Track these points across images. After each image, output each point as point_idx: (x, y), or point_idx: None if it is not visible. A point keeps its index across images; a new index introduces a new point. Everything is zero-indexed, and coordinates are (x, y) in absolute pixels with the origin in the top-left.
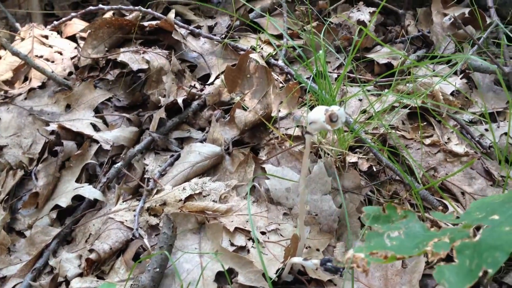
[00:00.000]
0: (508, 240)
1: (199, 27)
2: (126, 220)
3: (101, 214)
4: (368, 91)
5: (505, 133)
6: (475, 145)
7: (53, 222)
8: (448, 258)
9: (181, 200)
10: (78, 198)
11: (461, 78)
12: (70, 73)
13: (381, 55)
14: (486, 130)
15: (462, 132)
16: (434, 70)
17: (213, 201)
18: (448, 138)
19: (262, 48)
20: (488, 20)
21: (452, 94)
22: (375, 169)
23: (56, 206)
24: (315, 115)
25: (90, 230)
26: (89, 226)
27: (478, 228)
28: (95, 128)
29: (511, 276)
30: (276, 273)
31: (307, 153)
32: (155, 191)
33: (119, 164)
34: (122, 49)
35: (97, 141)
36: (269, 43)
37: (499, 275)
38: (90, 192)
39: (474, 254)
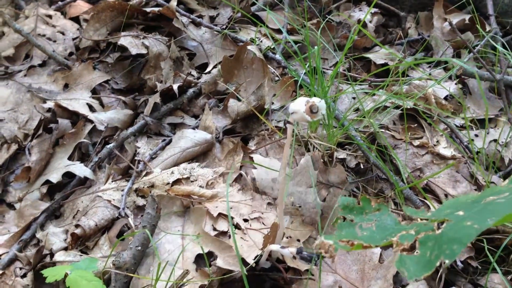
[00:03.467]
0: (467, 233)
1: (201, 16)
2: (114, 199)
3: (90, 192)
4: (362, 90)
5: (495, 140)
6: (463, 149)
7: (43, 197)
8: (413, 250)
9: (168, 183)
10: (69, 175)
11: (456, 84)
12: (70, 54)
13: (379, 55)
14: (476, 135)
15: (452, 136)
16: (430, 74)
17: (200, 186)
18: (437, 141)
19: (261, 41)
20: (488, 28)
21: (445, 98)
22: (362, 166)
23: (47, 182)
24: (296, 106)
25: (78, 207)
26: (78, 202)
27: (442, 223)
28: (91, 108)
29: (490, 280)
30: (254, 259)
31: (288, 142)
32: (144, 173)
33: (111, 145)
34: (122, 33)
35: (91, 121)
36: (268, 37)
37: (476, 276)
38: (81, 170)
39: (435, 246)
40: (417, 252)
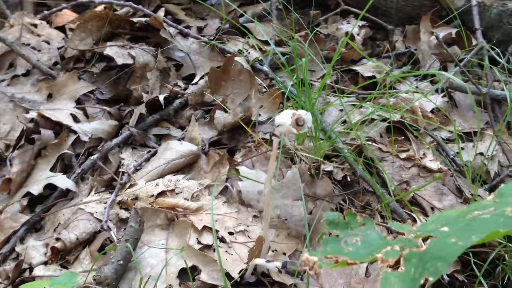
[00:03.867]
0: (451, 250)
1: (188, 27)
2: (96, 212)
3: (72, 204)
4: (350, 102)
5: (481, 153)
6: (449, 162)
7: (23, 209)
8: (398, 266)
9: (153, 195)
10: (51, 187)
11: (442, 97)
12: (55, 63)
13: (366, 68)
14: (462, 148)
15: (438, 149)
16: (416, 87)
17: (185, 198)
18: (424, 154)
19: (249, 53)
20: (474, 42)
21: (432, 111)
22: (349, 179)
23: (28, 194)
24: (282, 118)
25: (60, 220)
26: (59, 215)
27: (427, 239)
28: (75, 119)
29: None
30: (239, 273)
31: (274, 155)
32: (128, 185)
33: (95, 156)
34: (109, 43)
35: (75, 132)
36: (255, 48)
37: None
38: (63, 181)
39: (419, 263)
40: (401, 269)
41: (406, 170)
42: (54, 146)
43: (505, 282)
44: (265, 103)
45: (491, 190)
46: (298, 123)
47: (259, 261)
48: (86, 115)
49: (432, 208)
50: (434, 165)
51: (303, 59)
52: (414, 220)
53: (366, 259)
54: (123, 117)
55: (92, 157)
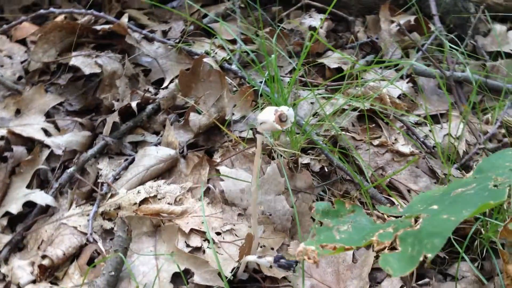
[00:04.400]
0: (446, 226)
1: (153, 31)
2: (80, 225)
3: (54, 220)
4: (320, 94)
5: (448, 134)
6: (420, 145)
7: (3, 230)
8: (393, 247)
9: (136, 203)
10: (29, 205)
11: (407, 82)
12: (20, 78)
13: (332, 60)
14: (430, 131)
15: (408, 133)
16: (382, 75)
17: (168, 203)
18: (395, 139)
19: (216, 53)
20: (432, 27)
21: (398, 97)
22: (326, 170)
23: (7, 213)
24: (265, 116)
25: (43, 237)
26: (41, 232)
27: (418, 218)
28: (47, 133)
29: (454, 267)
30: (231, 272)
31: (259, 153)
32: (109, 195)
33: (71, 169)
34: (74, 53)
35: (48, 146)
36: (222, 48)
37: (444, 267)
38: (41, 197)
39: (415, 242)
40: (398, 249)
41: (380, 156)
42: (28, 162)
43: (483, 255)
44: (238, 102)
45: (462, 168)
46: (281, 119)
47: (251, 257)
48: (57, 128)
49: (409, 191)
50: (406, 149)
51: (272, 56)
52: (393, 204)
53: (361, 244)
54: (96, 127)
55: (68, 170)
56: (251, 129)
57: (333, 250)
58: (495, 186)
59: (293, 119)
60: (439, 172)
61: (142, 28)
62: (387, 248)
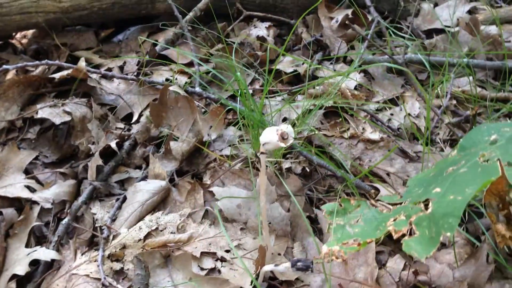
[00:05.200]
0: (456, 206)
1: (109, 69)
2: (91, 272)
3: (63, 272)
4: (283, 99)
5: (409, 114)
6: (386, 129)
7: None
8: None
9: (140, 239)
10: (32, 263)
11: (359, 73)
12: None
13: (286, 64)
14: (392, 114)
15: (373, 120)
16: (335, 70)
17: (172, 233)
18: (363, 128)
19: (176, 79)
20: (370, 17)
21: (355, 88)
22: (308, 170)
23: (14, 276)
24: (267, 137)
25: None
26: (53, 287)
27: (426, 203)
28: (31, 189)
29: (445, 237)
30: (251, 284)
31: (263, 170)
32: (111, 237)
33: (66, 219)
34: (38, 106)
35: (37, 202)
36: (181, 73)
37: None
38: (44, 254)
39: (431, 224)
40: (416, 233)
41: (354, 147)
42: (21, 222)
43: (466, 219)
44: (213, 122)
45: (427, 143)
46: (283, 137)
47: (269, 267)
48: (39, 183)
49: (388, 174)
50: (375, 136)
51: (238, 72)
52: (377, 189)
53: (377, 235)
54: (78, 174)
55: (63, 222)
56: (231, 145)
57: (358, 246)
58: (484, 161)
59: (293, 135)
60: (409, 152)
61: (96, 67)
62: (404, 235)
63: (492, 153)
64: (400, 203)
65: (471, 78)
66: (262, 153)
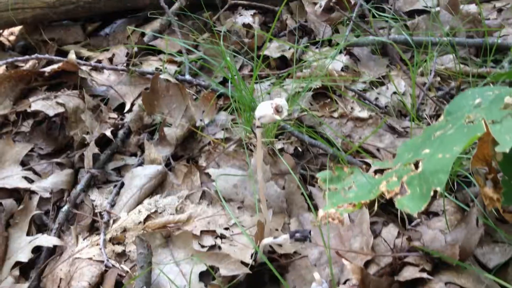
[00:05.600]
0: (445, 163)
1: (99, 61)
2: (94, 255)
3: (65, 257)
4: (272, 84)
5: (394, 92)
6: (374, 107)
7: (18, 280)
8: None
9: (140, 222)
10: (34, 251)
11: (344, 55)
12: None
13: (273, 50)
14: (379, 93)
15: (360, 99)
16: (322, 53)
17: (171, 214)
18: (352, 108)
19: (166, 68)
20: (352, 1)
21: (342, 70)
22: (300, 150)
23: (17, 263)
24: (263, 111)
25: (60, 275)
26: (57, 272)
27: (416, 164)
28: (28, 180)
29: (435, 205)
30: (251, 257)
31: (260, 144)
32: (111, 221)
33: (66, 207)
34: (31, 99)
35: (36, 192)
36: (171, 62)
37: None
38: (46, 240)
39: (421, 182)
40: (408, 192)
41: (344, 126)
42: (21, 211)
43: (455, 188)
44: (206, 108)
45: (413, 119)
46: (278, 110)
47: (268, 240)
48: (37, 174)
49: (378, 149)
50: (364, 114)
51: (228, 58)
52: (368, 165)
53: (372, 197)
54: (75, 163)
55: (63, 209)
56: (223, 129)
57: (353, 207)
58: (469, 122)
59: (287, 108)
60: (397, 127)
61: (85, 60)
62: (397, 194)
63: (477, 114)
64: (391, 168)
65: (453, 56)
66: (258, 127)
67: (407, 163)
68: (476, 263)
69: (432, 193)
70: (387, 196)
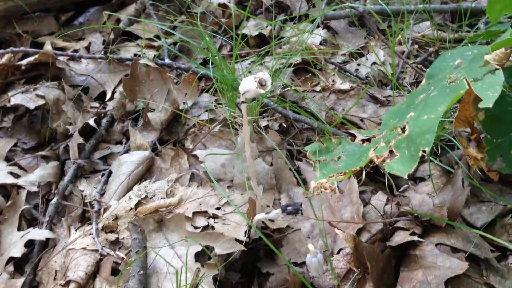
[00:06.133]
0: (430, 123)
1: (75, 51)
2: (88, 245)
3: (59, 249)
4: (253, 62)
5: (374, 62)
6: (355, 79)
7: (13, 275)
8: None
9: (131, 208)
10: (27, 245)
11: (322, 29)
12: None
13: (250, 29)
14: (358, 64)
15: (341, 72)
16: (299, 29)
17: (162, 198)
18: (333, 81)
19: (144, 53)
20: None
21: (320, 43)
22: (285, 126)
23: (11, 259)
24: (246, 85)
25: (55, 267)
26: (51, 264)
27: (403, 128)
28: (15, 175)
29: (421, 171)
30: (245, 234)
31: (246, 120)
32: (102, 210)
33: (55, 199)
34: (10, 93)
35: (23, 187)
36: (149, 47)
37: (411, 173)
38: (38, 233)
39: (409, 144)
40: (397, 155)
41: (327, 98)
42: (10, 207)
43: (439, 152)
44: (187, 90)
45: (395, 87)
46: (261, 83)
47: (260, 216)
48: (22, 168)
49: (362, 120)
50: (345, 86)
51: (207, 37)
52: (353, 135)
53: (360, 164)
54: (60, 155)
55: (52, 202)
56: (207, 110)
57: (344, 175)
58: (451, 82)
59: (270, 81)
60: (379, 97)
61: (61, 50)
62: (386, 158)
63: (458, 74)
64: (378, 135)
65: (430, 22)
66: (242, 102)
67: (394, 128)
68: (464, 223)
69: (420, 154)
70: (377, 162)
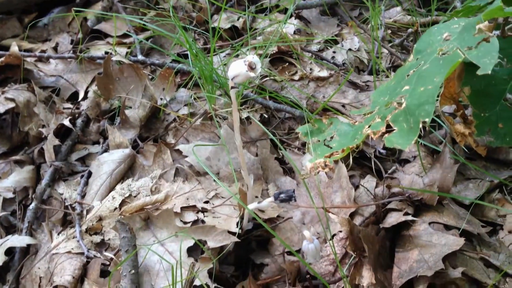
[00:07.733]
0: (428, 94)
1: (43, 51)
2: (72, 248)
3: (42, 255)
4: (229, 54)
5: (349, 49)
6: (332, 66)
7: None
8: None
9: (115, 208)
10: (6, 253)
11: (294, 19)
12: None
13: (222, 21)
14: (334, 52)
15: (318, 59)
16: (270, 20)
17: (147, 196)
18: (311, 69)
19: (116, 51)
20: None
21: (294, 33)
22: (266, 116)
23: None
24: (236, 69)
25: (39, 274)
26: (35, 271)
27: (399, 102)
28: None
29: (406, 153)
30: (237, 226)
31: (235, 106)
32: (85, 212)
33: (33, 204)
34: None
35: None
36: (120, 44)
37: (396, 156)
38: (18, 240)
39: (407, 117)
40: (395, 129)
41: (307, 87)
42: None
43: (423, 133)
44: (163, 86)
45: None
46: (251, 67)
47: (253, 206)
48: None
49: (343, 105)
50: (324, 73)
51: (180, 32)
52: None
53: (355, 142)
54: (35, 159)
55: (30, 207)
56: (186, 104)
57: (342, 152)
58: (443, 54)
59: (260, 64)
60: (359, 82)
61: (30, 52)
62: (384, 133)
63: (450, 45)
64: (370, 113)
65: (399, 8)
66: (232, 87)
67: (389, 103)
68: (453, 202)
69: (420, 126)
70: (374, 137)
